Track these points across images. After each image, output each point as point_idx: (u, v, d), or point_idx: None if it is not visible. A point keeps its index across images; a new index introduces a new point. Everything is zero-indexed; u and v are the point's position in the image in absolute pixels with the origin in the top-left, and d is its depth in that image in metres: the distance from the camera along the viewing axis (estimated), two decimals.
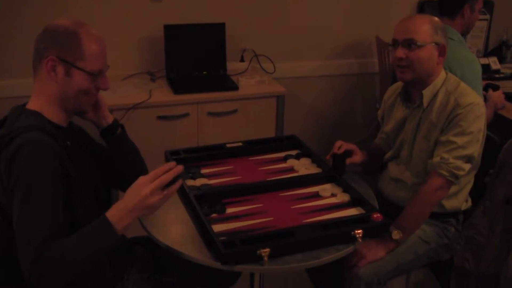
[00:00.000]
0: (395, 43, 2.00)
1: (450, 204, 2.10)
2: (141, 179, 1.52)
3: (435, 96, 2.03)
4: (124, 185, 1.58)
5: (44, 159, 1.48)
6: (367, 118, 3.97)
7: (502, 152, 2.19)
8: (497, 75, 3.46)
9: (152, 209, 1.52)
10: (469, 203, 2.19)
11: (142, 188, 1.50)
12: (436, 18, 2.04)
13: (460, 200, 2.13)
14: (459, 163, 1.95)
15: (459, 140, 1.95)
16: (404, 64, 1.98)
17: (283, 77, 3.47)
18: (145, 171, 1.95)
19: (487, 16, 3.68)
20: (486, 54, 3.80)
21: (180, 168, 1.56)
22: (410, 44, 1.95)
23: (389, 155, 2.23)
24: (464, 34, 2.75)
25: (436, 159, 1.97)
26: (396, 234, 1.93)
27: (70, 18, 1.65)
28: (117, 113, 2.72)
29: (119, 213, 1.48)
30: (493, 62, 3.55)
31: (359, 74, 3.84)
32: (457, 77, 2.11)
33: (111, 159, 1.88)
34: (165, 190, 1.52)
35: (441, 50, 2.00)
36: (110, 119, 1.86)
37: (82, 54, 1.59)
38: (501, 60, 3.72)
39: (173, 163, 1.57)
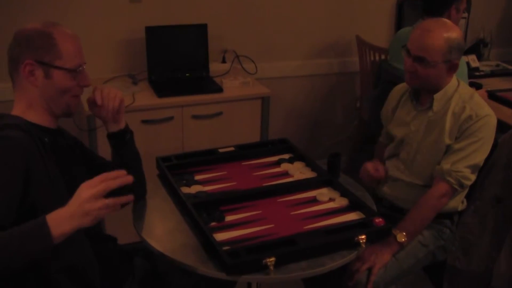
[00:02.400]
0: (408, 51, 1.98)
1: (448, 205, 2.10)
2: (87, 182, 1.34)
3: (448, 102, 2.02)
4: (115, 194, 1.46)
5: (6, 155, 1.42)
6: (348, 117, 3.98)
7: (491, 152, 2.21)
8: (477, 73, 3.48)
9: (90, 217, 1.31)
10: (465, 204, 2.20)
11: (83, 191, 1.32)
12: (455, 34, 1.95)
13: (457, 201, 2.14)
14: (467, 172, 1.97)
15: (472, 150, 1.97)
16: (414, 74, 1.99)
17: (265, 77, 3.44)
18: (142, 181, 1.90)
19: (465, 15, 3.70)
20: (464, 52, 3.82)
21: (129, 178, 1.36)
22: (421, 61, 1.94)
23: (386, 154, 2.23)
24: None
25: (446, 166, 1.98)
26: (401, 237, 1.93)
27: (39, 21, 1.62)
28: None
29: (60, 217, 1.30)
30: (472, 60, 3.57)
31: (340, 73, 3.83)
32: None
33: (104, 167, 1.82)
34: (109, 199, 1.32)
35: (452, 66, 1.98)
36: (122, 124, 1.84)
37: (59, 52, 1.57)
38: (479, 58, 3.74)
39: (123, 172, 1.37)
